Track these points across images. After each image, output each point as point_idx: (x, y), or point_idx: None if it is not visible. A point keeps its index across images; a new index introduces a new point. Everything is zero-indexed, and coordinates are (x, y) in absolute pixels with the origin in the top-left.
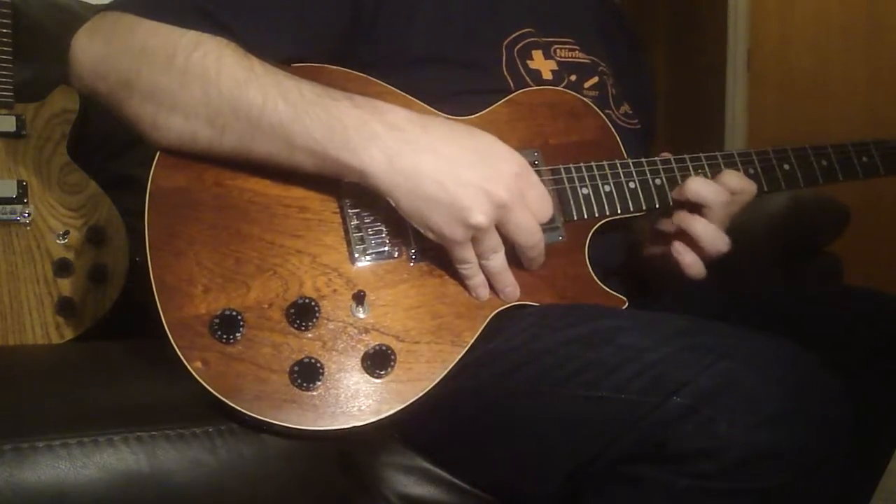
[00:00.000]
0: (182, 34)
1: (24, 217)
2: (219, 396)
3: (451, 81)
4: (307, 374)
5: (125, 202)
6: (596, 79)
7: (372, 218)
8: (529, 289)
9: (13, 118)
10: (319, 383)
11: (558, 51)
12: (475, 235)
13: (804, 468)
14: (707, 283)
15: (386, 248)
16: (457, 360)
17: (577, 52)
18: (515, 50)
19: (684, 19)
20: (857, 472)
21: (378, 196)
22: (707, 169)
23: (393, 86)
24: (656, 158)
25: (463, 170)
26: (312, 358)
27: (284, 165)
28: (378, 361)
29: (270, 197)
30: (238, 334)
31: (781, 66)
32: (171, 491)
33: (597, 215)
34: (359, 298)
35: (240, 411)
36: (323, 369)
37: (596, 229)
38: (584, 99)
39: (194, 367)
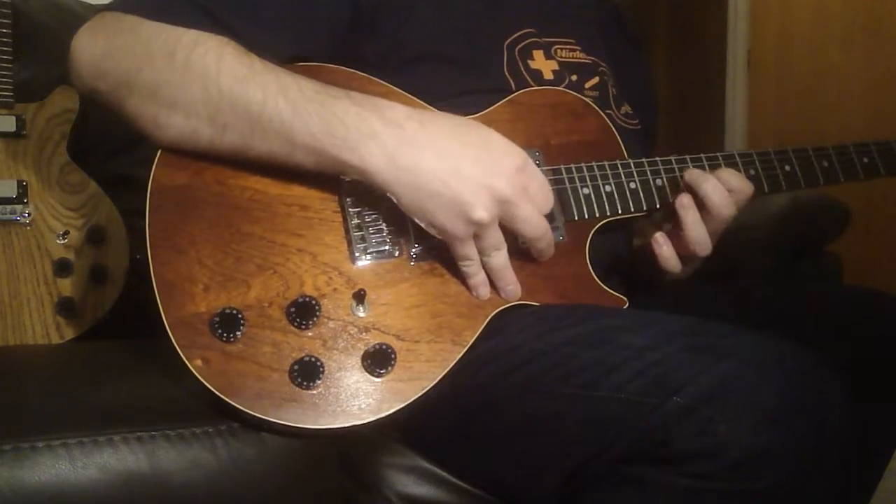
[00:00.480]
0: (183, 33)
1: (25, 217)
2: (219, 395)
3: (453, 81)
4: (307, 372)
5: (125, 202)
6: (597, 79)
7: (372, 217)
8: (530, 289)
9: (13, 118)
10: (319, 382)
11: (559, 51)
12: (477, 231)
13: (804, 468)
14: (707, 283)
15: (386, 247)
16: (457, 359)
17: (577, 52)
18: (516, 50)
19: (684, 19)
20: (857, 472)
21: (379, 194)
22: (707, 169)
23: (394, 86)
24: (657, 159)
25: (465, 165)
26: (313, 356)
27: (285, 163)
28: (378, 360)
29: (271, 195)
30: (238, 333)
31: (781, 66)
32: (171, 491)
33: (597, 215)
34: (359, 297)
35: (240, 410)
36: (323, 368)
37: (597, 229)
38: (586, 99)
39: (195, 366)
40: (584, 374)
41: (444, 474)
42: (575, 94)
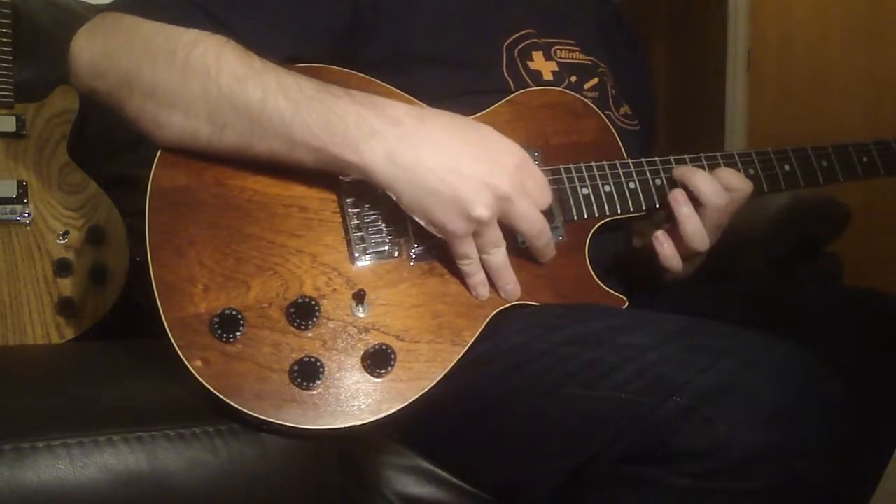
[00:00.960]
0: (183, 32)
1: (25, 217)
2: (219, 395)
3: (452, 82)
4: (307, 373)
5: (125, 202)
6: (596, 80)
7: (372, 217)
8: (529, 289)
9: (13, 118)
10: (319, 382)
11: (559, 52)
12: (477, 229)
13: (804, 468)
14: (707, 283)
15: (386, 248)
16: (457, 359)
17: (577, 53)
18: (516, 51)
19: (684, 19)
20: (857, 472)
21: (379, 195)
22: (707, 169)
23: (394, 86)
24: (656, 158)
25: (464, 163)
26: (312, 357)
27: (285, 162)
28: (378, 361)
29: (271, 196)
30: (238, 333)
31: (781, 66)
32: (171, 491)
33: (597, 215)
34: (359, 298)
35: (240, 410)
36: (323, 368)
37: (596, 229)
38: (585, 99)
39: (194, 367)
40: (583, 374)
41: (444, 474)
42: (574, 94)
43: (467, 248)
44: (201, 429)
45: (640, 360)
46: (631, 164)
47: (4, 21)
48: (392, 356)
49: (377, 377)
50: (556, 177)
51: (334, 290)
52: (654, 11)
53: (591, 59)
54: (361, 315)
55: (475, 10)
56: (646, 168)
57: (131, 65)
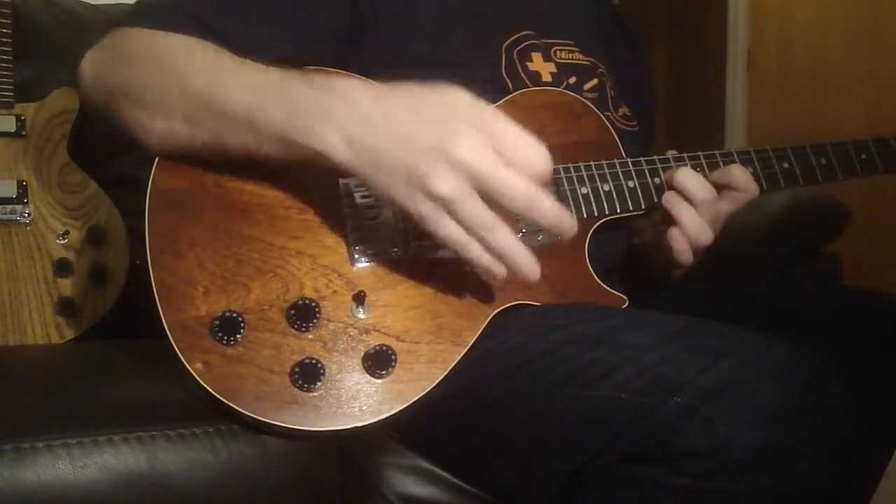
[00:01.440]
0: (164, 37)
1: (25, 217)
2: (220, 398)
3: (451, 84)
4: (308, 374)
5: (125, 202)
6: (595, 81)
7: (371, 219)
8: (529, 288)
9: (13, 118)
10: (320, 384)
11: (558, 52)
12: (449, 209)
13: (804, 468)
14: (707, 284)
15: (386, 249)
16: (457, 359)
17: (576, 53)
18: (515, 52)
19: (684, 19)
20: (857, 472)
21: (378, 196)
22: (706, 168)
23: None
24: (655, 157)
25: (418, 134)
26: (313, 359)
27: (258, 156)
28: (379, 362)
29: (270, 199)
30: (238, 336)
31: (781, 66)
32: (171, 491)
33: (596, 215)
34: (359, 299)
35: (241, 412)
36: (324, 370)
37: (596, 229)
38: (583, 99)
39: (195, 369)
40: (583, 374)
41: (444, 474)
42: (573, 94)
43: (451, 231)
44: (201, 429)
45: (640, 360)
46: (630, 164)
47: (4, 21)
48: (393, 357)
49: (378, 378)
50: (555, 177)
51: (334, 291)
52: (654, 11)
53: (591, 59)
54: (362, 316)
55: (474, 11)
56: (644, 167)
57: (122, 75)
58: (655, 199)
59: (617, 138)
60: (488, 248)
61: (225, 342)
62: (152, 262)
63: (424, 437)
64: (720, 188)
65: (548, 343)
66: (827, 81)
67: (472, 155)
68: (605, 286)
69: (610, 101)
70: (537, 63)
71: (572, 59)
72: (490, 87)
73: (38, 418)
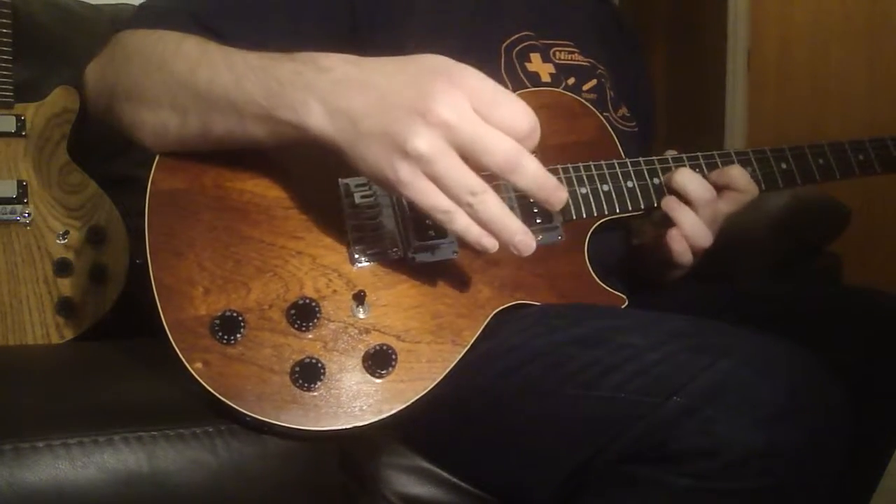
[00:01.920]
0: (160, 34)
1: (24, 217)
2: (220, 397)
3: None
4: (308, 374)
5: (125, 202)
6: (594, 81)
7: (371, 218)
8: (529, 288)
9: (13, 118)
10: (320, 383)
11: (557, 53)
12: (428, 171)
13: (803, 468)
14: (707, 284)
15: (385, 249)
16: (457, 359)
17: (575, 54)
18: (514, 53)
19: (684, 19)
20: (857, 471)
21: (378, 195)
22: (705, 168)
23: None
24: (654, 158)
25: (394, 95)
26: (313, 358)
27: (242, 141)
28: (379, 361)
29: (270, 198)
30: (239, 335)
31: (781, 66)
32: (171, 491)
33: (595, 215)
34: (359, 299)
35: (241, 412)
36: (324, 369)
37: (595, 229)
38: (582, 100)
39: (195, 369)
40: (584, 374)
41: (444, 474)
42: (572, 94)
43: (434, 199)
44: (201, 429)
45: (640, 360)
46: (629, 164)
47: (4, 21)
48: (393, 357)
49: (378, 378)
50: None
51: (334, 291)
52: (653, 11)
53: (590, 60)
54: (362, 316)
55: (473, 11)
56: (643, 168)
57: (115, 76)
58: (654, 200)
59: (616, 139)
60: (476, 218)
61: (225, 342)
62: (152, 261)
63: (424, 436)
64: (719, 189)
65: (548, 343)
66: (827, 82)
67: (450, 111)
68: (604, 286)
69: (609, 101)
70: (536, 64)
71: (571, 59)
72: None
73: (38, 418)
